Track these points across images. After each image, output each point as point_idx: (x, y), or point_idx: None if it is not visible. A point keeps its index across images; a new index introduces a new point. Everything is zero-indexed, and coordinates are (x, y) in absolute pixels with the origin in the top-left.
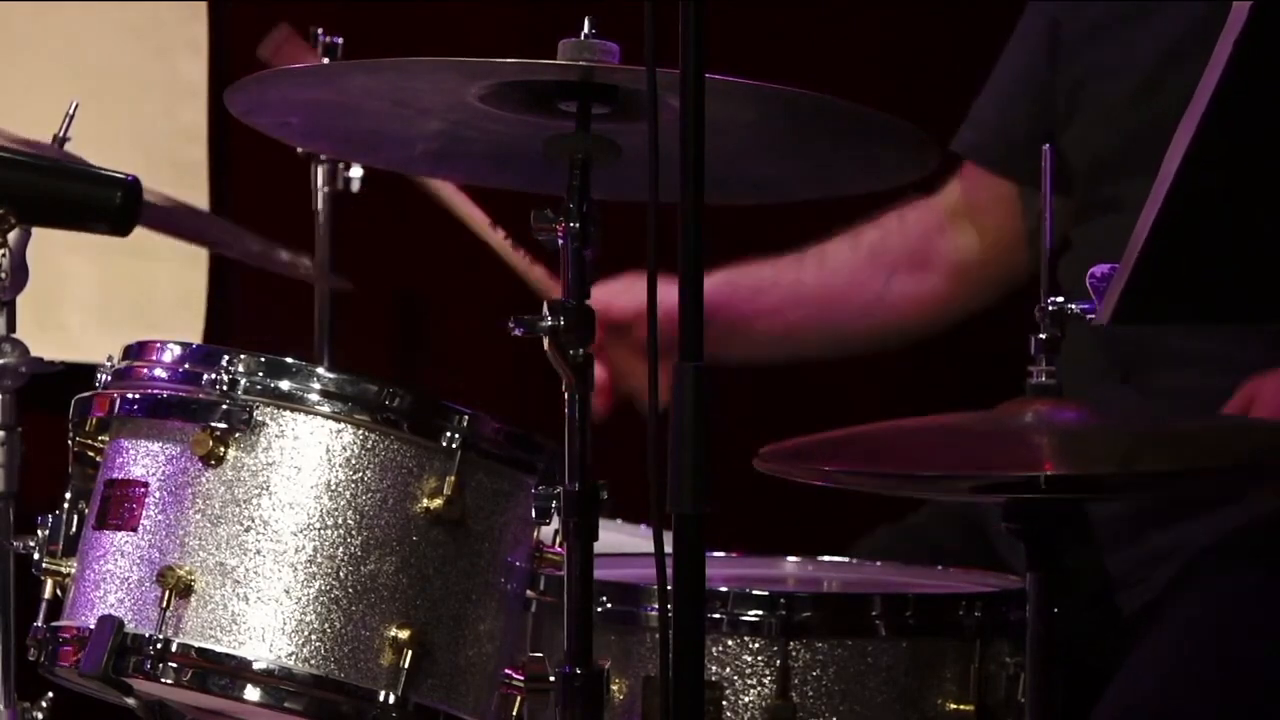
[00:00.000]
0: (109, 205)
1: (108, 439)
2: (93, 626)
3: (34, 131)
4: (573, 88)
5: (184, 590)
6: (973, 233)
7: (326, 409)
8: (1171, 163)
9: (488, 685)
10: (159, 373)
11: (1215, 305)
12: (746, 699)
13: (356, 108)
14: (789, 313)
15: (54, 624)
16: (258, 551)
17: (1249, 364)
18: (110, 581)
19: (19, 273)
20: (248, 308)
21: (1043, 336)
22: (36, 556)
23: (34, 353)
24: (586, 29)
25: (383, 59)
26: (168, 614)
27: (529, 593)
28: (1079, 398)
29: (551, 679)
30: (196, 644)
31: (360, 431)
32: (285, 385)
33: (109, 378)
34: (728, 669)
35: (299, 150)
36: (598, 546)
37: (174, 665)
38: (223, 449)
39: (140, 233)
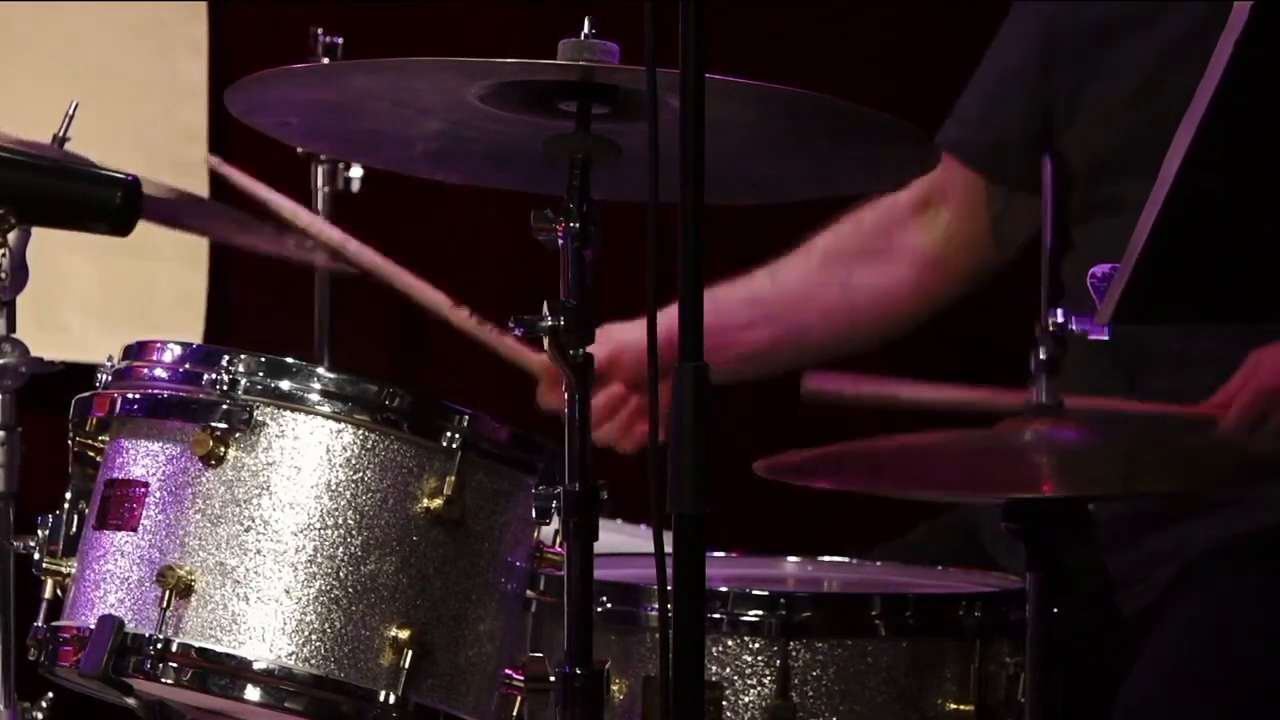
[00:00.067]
0: (109, 205)
1: (108, 439)
2: (93, 626)
3: (34, 131)
4: (573, 88)
5: (184, 590)
6: (936, 222)
7: (327, 409)
8: (1172, 163)
9: (488, 685)
10: (159, 373)
11: (1215, 305)
12: (746, 699)
13: (356, 108)
14: (754, 331)
15: (54, 624)
16: (258, 551)
17: None
18: (110, 581)
19: (19, 273)
20: (248, 308)
21: (1043, 356)
22: (36, 556)
23: (34, 353)
24: (586, 29)
25: (383, 59)
26: (168, 614)
27: (529, 593)
28: (1079, 414)
29: (551, 679)
30: (197, 644)
31: (360, 431)
32: (285, 385)
33: (109, 378)
34: (728, 669)
35: (299, 150)
36: (598, 546)
37: (174, 665)
38: (223, 449)
39: (140, 233)
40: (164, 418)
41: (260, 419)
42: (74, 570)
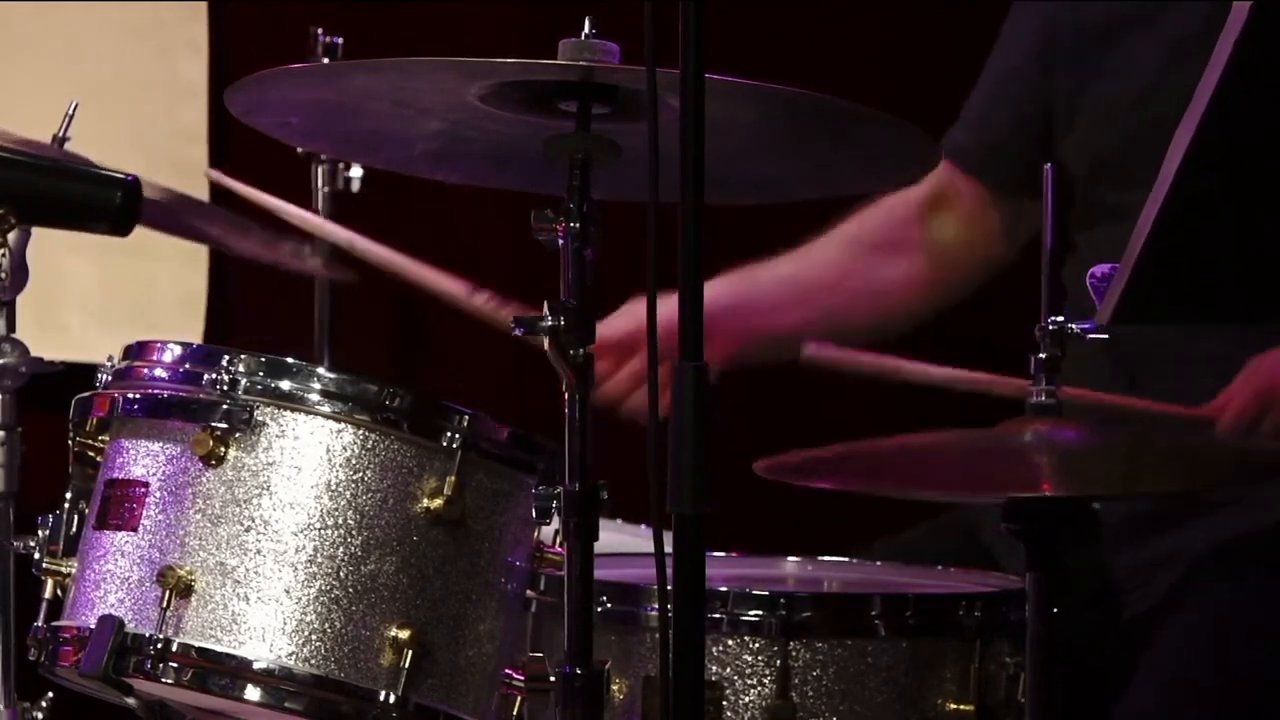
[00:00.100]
0: (109, 205)
1: (108, 439)
2: (93, 626)
3: (34, 131)
4: (573, 88)
5: (184, 590)
6: (947, 221)
7: (327, 409)
8: (1171, 163)
9: (488, 685)
10: (159, 373)
11: (1215, 305)
12: (746, 699)
13: (356, 108)
14: (784, 313)
15: (54, 624)
16: (258, 551)
17: None
18: (110, 581)
19: (19, 273)
20: (248, 308)
21: (1043, 356)
22: (37, 556)
23: (34, 353)
24: (586, 29)
25: (383, 59)
26: (168, 614)
27: (529, 593)
28: (1078, 410)
29: (551, 679)
30: (197, 644)
31: (360, 431)
32: (285, 385)
33: (109, 378)
34: (728, 669)
35: (299, 150)
36: (598, 546)
37: (174, 665)
38: (223, 449)
39: (140, 233)
40: (164, 418)
41: (260, 419)
42: (74, 570)
